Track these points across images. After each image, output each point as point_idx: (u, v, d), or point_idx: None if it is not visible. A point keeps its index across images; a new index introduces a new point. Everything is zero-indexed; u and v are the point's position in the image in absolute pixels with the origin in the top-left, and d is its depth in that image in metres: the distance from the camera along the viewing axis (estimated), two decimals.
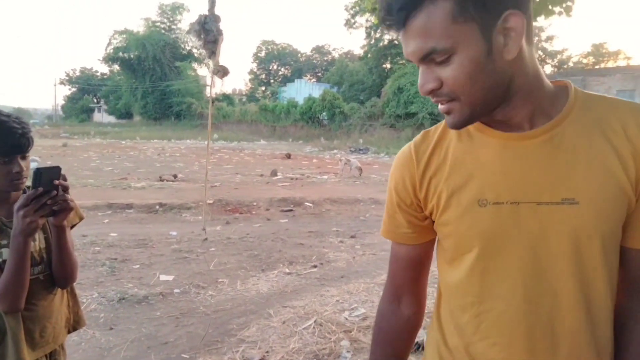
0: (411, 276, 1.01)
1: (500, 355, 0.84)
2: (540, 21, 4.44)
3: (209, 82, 6.89)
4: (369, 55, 36.71)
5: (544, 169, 0.79)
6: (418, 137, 0.95)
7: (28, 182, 1.46)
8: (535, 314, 0.81)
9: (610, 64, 34.16)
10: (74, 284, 1.64)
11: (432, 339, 1.00)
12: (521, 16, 0.72)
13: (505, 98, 0.78)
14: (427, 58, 0.75)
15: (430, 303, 1.37)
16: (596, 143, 0.79)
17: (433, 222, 0.92)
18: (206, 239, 6.18)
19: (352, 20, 37.29)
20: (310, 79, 56.34)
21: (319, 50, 62.28)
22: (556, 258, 0.79)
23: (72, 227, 1.59)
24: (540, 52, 39.72)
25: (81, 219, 1.64)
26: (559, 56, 35.90)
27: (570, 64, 35.66)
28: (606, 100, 0.84)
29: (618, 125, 0.79)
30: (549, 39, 34.75)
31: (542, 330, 0.81)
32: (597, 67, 33.75)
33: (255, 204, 8.73)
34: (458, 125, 0.81)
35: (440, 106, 0.80)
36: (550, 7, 4.28)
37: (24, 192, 1.45)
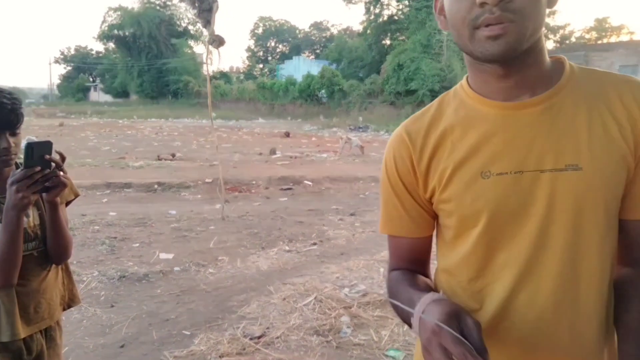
0: (413, 262, 0.99)
1: (503, 325, 0.84)
2: None
3: (205, 58, 6.78)
4: (369, 31, 36.14)
5: (545, 136, 0.79)
6: (408, 120, 0.93)
7: (21, 159, 1.44)
8: (536, 283, 0.81)
9: (613, 39, 33.78)
10: (69, 262, 1.63)
11: None
12: None
13: (532, 48, 0.78)
14: None
15: None
16: (595, 110, 0.80)
17: (432, 204, 0.91)
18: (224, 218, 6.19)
19: None
20: (308, 56, 55.66)
21: (317, 26, 61.35)
22: (559, 225, 0.79)
23: (67, 203, 1.58)
24: None
25: (76, 195, 1.62)
26: (561, 31, 35.38)
27: (573, 39, 35.22)
28: (600, 72, 0.86)
29: (614, 94, 0.81)
30: (552, 13, 34.19)
31: (544, 300, 0.81)
32: (599, 42, 33.36)
33: (254, 182, 8.72)
34: (510, 48, 0.75)
35: (490, 28, 0.74)
36: None
37: (17, 167, 1.43)
